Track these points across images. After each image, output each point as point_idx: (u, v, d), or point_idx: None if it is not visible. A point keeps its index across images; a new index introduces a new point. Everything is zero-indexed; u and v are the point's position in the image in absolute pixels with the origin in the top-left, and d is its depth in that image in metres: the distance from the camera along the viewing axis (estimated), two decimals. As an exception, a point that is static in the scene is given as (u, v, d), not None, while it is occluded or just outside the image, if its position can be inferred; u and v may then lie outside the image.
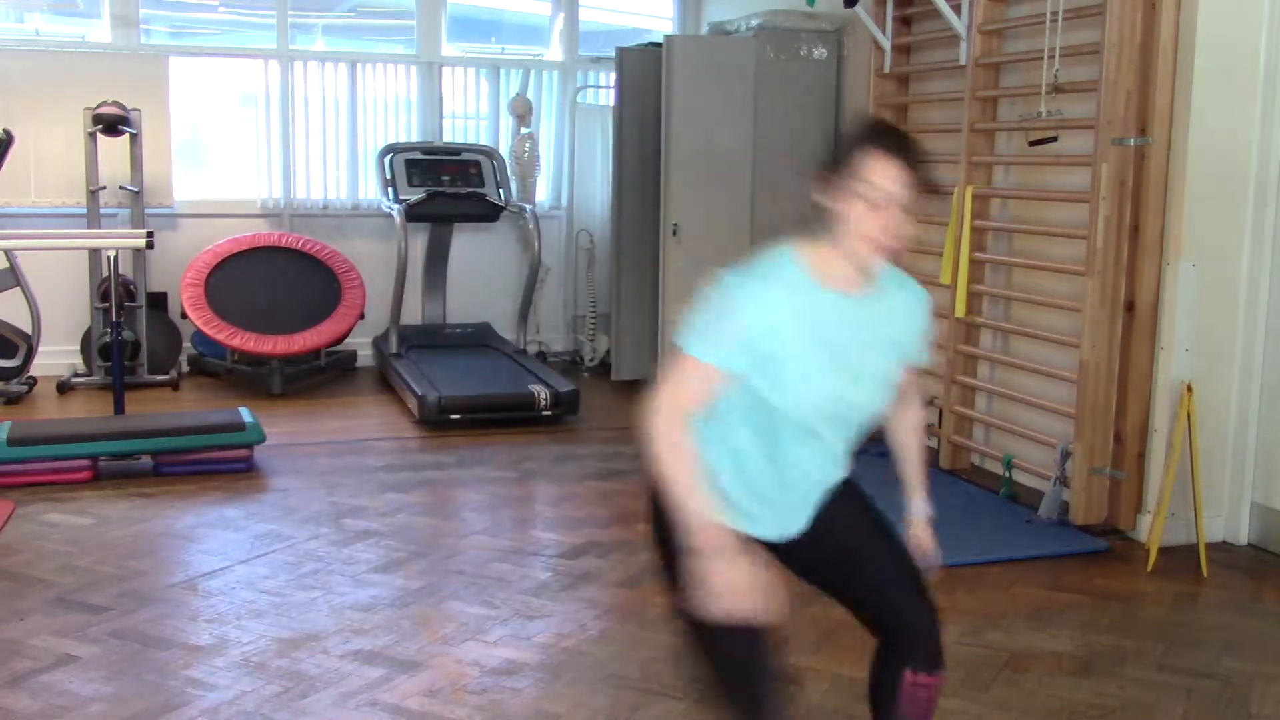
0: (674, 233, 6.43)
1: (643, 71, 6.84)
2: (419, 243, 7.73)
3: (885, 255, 2.16)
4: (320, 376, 7.30)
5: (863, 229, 2.12)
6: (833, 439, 2.27)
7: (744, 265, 2.23)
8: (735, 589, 2.06)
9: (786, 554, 2.35)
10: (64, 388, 6.79)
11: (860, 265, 2.18)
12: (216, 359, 7.21)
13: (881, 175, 2.11)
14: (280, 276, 7.22)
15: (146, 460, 5.24)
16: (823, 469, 2.30)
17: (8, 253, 6.09)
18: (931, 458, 5.54)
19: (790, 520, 2.31)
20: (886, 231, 2.12)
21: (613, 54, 7.15)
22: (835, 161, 2.17)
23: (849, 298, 2.21)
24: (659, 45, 6.65)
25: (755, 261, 2.24)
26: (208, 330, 6.86)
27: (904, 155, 2.14)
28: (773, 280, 2.18)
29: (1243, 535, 4.56)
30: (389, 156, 7.42)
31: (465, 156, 7.56)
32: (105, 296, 6.55)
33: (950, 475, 5.35)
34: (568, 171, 8.14)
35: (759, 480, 2.25)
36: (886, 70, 5.91)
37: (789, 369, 2.15)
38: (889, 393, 2.32)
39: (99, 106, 6.79)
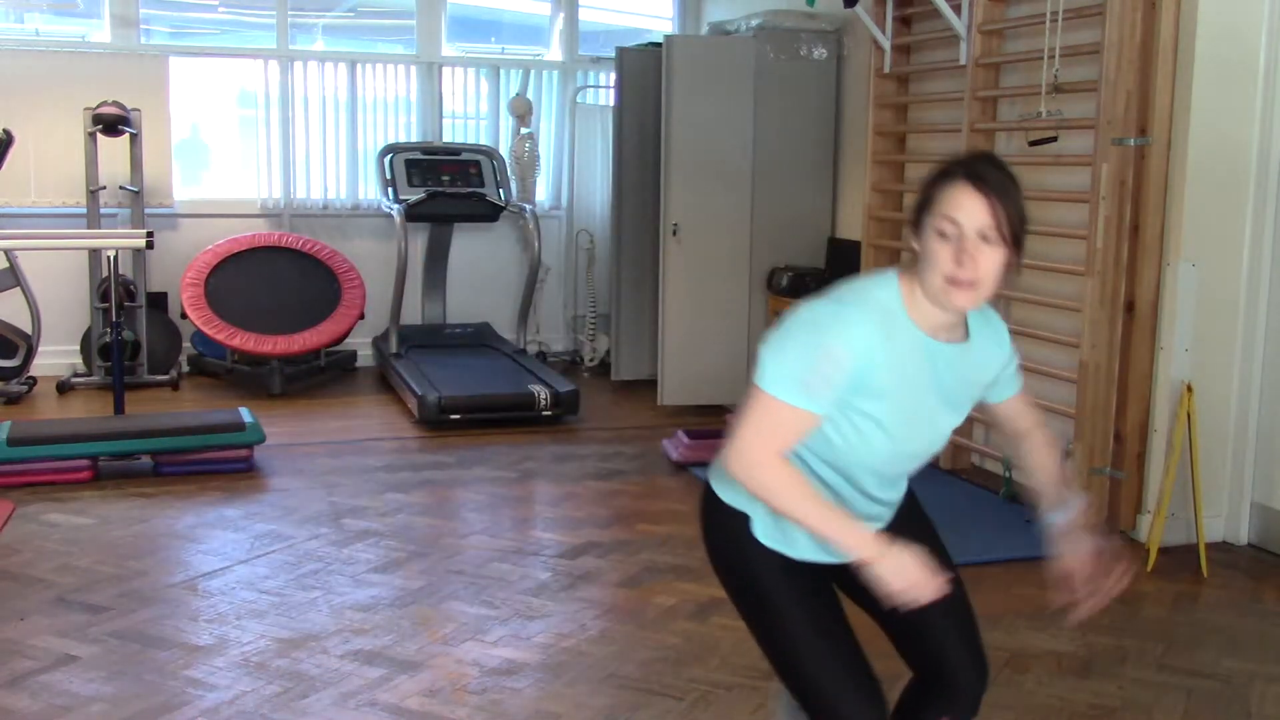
0: (674, 233, 6.43)
1: (643, 71, 6.85)
2: (419, 243, 7.73)
3: (968, 297, 1.99)
4: (320, 376, 7.30)
5: (939, 266, 1.97)
6: (885, 476, 2.18)
7: (840, 292, 2.07)
8: (912, 577, 1.99)
9: (840, 573, 2.22)
10: (64, 388, 6.79)
11: (944, 308, 2.03)
12: (216, 359, 7.21)
13: (956, 206, 1.96)
14: (280, 276, 7.22)
15: (146, 460, 5.24)
16: (882, 490, 2.19)
17: (8, 253, 6.09)
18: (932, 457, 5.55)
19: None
20: (964, 269, 1.96)
21: (613, 54, 7.16)
22: (920, 196, 2.03)
23: (938, 344, 2.07)
24: (659, 45, 6.65)
25: (855, 288, 2.08)
26: (208, 330, 6.86)
27: (983, 185, 1.96)
28: (871, 315, 2.02)
29: (1243, 535, 4.56)
30: (389, 156, 7.42)
31: (465, 156, 7.57)
32: (105, 296, 6.55)
33: (950, 475, 5.35)
34: (568, 171, 8.14)
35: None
36: (886, 70, 5.91)
37: (863, 414, 2.04)
38: (947, 439, 2.21)
39: (99, 106, 6.79)
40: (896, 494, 2.24)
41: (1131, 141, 4.42)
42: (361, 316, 7.25)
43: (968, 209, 1.95)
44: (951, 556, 2.29)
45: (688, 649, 3.49)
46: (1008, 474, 5.00)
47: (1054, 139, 4.77)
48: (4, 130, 6.38)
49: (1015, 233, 1.97)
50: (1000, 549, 4.41)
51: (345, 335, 7.20)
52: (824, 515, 2.01)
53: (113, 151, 6.91)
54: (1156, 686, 3.33)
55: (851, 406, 2.03)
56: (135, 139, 6.92)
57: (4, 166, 6.42)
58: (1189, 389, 4.37)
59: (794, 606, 2.15)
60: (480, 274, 8.00)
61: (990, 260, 1.97)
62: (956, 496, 5.01)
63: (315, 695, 3.17)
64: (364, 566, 4.15)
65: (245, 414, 5.47)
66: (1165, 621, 3.83)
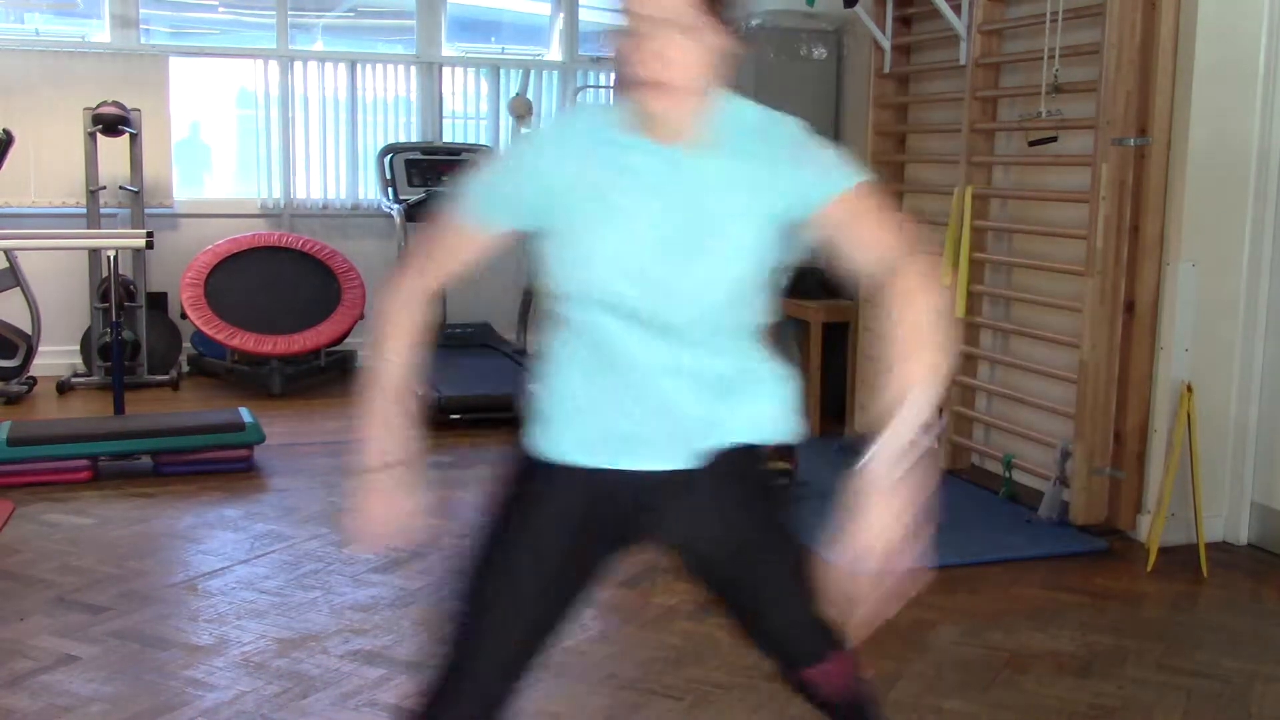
0: (674, 233, 6.42)
1: (643, 71, 6.84)
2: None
3: (662, 99, 1.69)
4: (320, 376, 7.30)
5: (633, 66, 1.68)
6: (644, 325, 1.76)
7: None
8: (374, 517, 1.86)
9: (677, 537, 1.93)
10: (64, 388, 6.79)
11: (655, 113, 1.72)
12: (216, 359, 7.21)
13: None
14: (280, 276, 7.22)
15: (146, 460, 5.24)
16: (654, 353, 1.77)
17: (8, 253, 6.09)
18: (931, 457, 5.54)
19: (648, 437, 1.80)
20: (647, 66, 1.67)
21: (613, 54, 7.15)
22: None
23: (654, 145, 1.75)
24: (659, 45, 6.65)
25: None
26: (208, 330, 6.86)
27: None
28: (562, 125, 1.85)
29: (1243, 535, 4.55)
30: (389, 156, 7.43)
31: (465, 156, 7.57)
32: (105, 296, 6.55)
33: (950, 475, 5.34)
34: (568, 171, 8.13)
35: (596, 392, 1.81)
36: (886, 70, 5.90)
37: (571, 235, 1.75)
38: (742, 283, 1.77)
39: (99, 106, 6.79)
40: (678, 360, 1.77)
41: (1131, 141, 4.42)
42: (362, 316, 7.25)
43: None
44: (798, 537, 1.94)
45: (688, 649, 3.49)
46: (1008, 474, 5.00)
47: (1054, 139, 4.77)
48: (4, 130, 6.38)
49: (707, 7, 1.66)
50: (1000, 549, 4.41)
51: (345, 335, 7.20)
52: (371, 386, 1.88)
53: (113, 151, 6.91)
54: (1156, 686, 3.33)
55: (558, 231, 1.76)
56: (135, 139, 6.92)
57: (4, 166, 6.42)
58: (1189, 389, 4.36)
59: (517, 546, 1.87)
60: (480, 274, 7.98)
61: (682, 50, 1.67)
62: (956, 496, 5.01)
63: (315, 695, 3.17)
64: (364, 566, 4.15)
65: (245, 414, 5.47)
66: (1165, 621, 3.83)
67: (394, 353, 1.87)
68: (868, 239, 1.77)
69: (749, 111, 1.81)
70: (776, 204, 1.75)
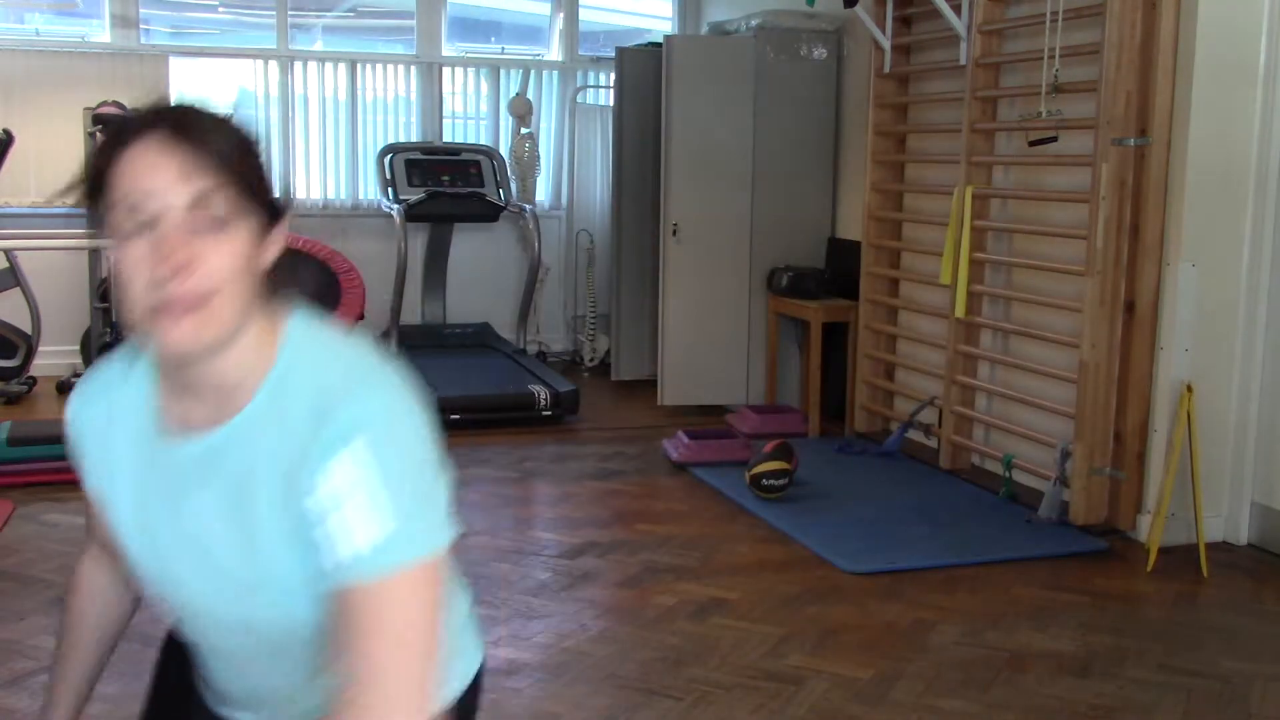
0: (674, 233, 6.43)
1: (643, 71, 6.85)
2: (419, 243, 7.73)
3: (194, 328, 1.22)
4: (320, 376, 7.29)
5: (136, 286, 1.20)
6: (224, 658, 1.51)
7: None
8: None
9: None
10: (64, 388, 6.79)
11: (168, 361, 1.27)
12: (216, 359, 7.21)
13: (133, 183, 1.22)
14: (279, 276, 7.22)
15: (146, 460, 5.23)
16: (232, 680, 1.56)
17: (8, 253, 6.09)
18: (931, 457, 5.55)
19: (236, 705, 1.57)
20: (178, 281, 1.20)
21: (613, 54, 7.15)
22: (91, 179, 1.25)
23: (162, 433, 1.34)
24: (659, 45, 6.65)
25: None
26: (208, 330, 6.86)
27: (171, 135, 1.27)
28: (105, 372, 1.41)
29: (1243, 535, 4.55)
30: (389, 156, 7.43)
31: (465, 156, 7.57)
32: (105, 296, 6.55)
33: (950, 475, 5.34)
34: (567, 171, 8.14)
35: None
36: (886, 70, 5.90)
37: (114, 528, 1.44)
38: (301, 623, 1.33)
39: (99, 106, 6.79)
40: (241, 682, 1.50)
41: (1131, 141, 4.42)
42: (362, 317, 7.25)
43: (152, 181, 1.22)
44: None
45: (688, 649, 3.49)
46: (1008, 474, 5.00)
47: (1054, 139, 4.77)
48: (4, 130, 6.39)
49: (245, 191, 1.29)
50: (1000, 549, 4.41)
51: (345, 335, 7.19)
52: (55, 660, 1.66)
53: (113, 151, 6.90)
54: (1156, 686, 3.34)
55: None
56: (135, 139, 6.92)
57: (4, 166, 6.42)
58: (1189, 389, 4.37)
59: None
60: (480, 274, 8.00)
61: (220, 254, 1.25)
62: (956, 496, 5.01)
63: (315, 695, 3.16)
64: (364, 566, 4.15)
65: (245, 414, 5.46)
66: (1165, 621, 3.83)
67: (69, 629, 1.70)
68: (359, 650, 1.20)
69: (319, 369, 1.36)
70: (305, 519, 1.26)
